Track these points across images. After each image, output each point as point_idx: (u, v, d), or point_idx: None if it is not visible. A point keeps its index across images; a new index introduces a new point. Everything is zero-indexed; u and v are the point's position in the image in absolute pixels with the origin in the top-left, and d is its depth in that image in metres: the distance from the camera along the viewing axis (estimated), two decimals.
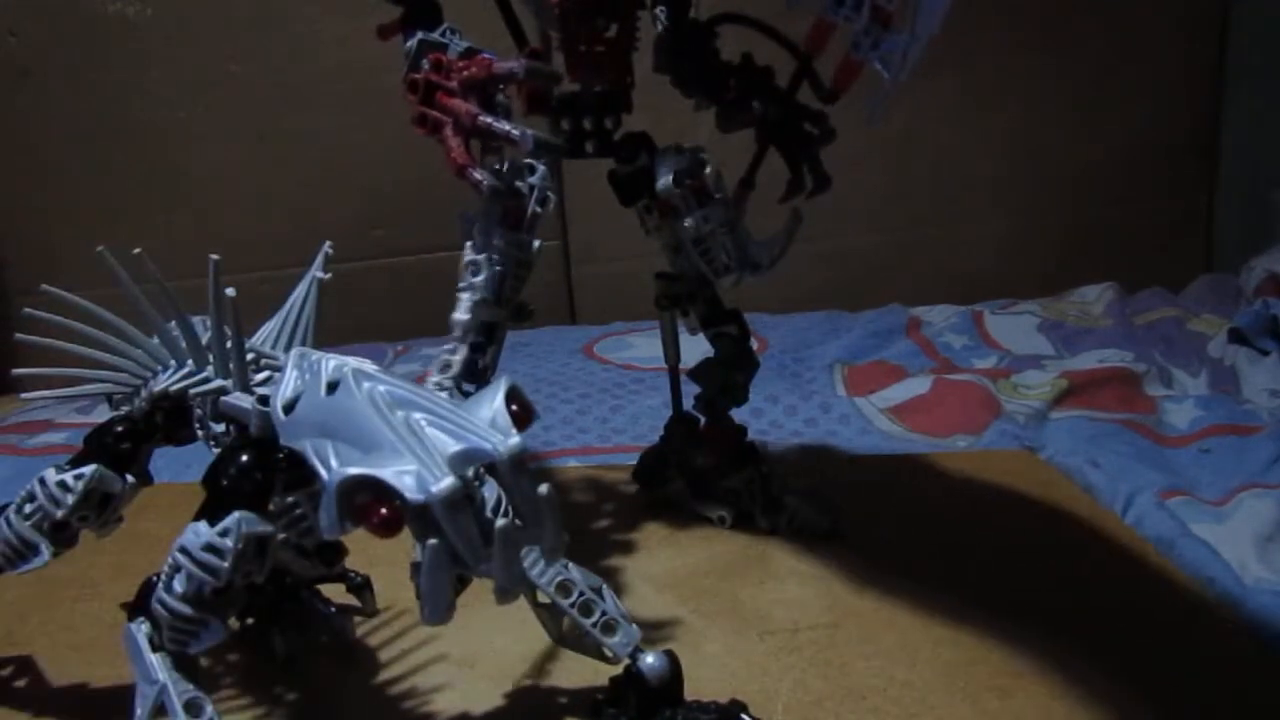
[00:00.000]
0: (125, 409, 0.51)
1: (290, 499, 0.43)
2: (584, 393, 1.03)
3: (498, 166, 0.53)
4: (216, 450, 0.46)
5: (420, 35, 0.57)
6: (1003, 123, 1.41)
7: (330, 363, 0.38)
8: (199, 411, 0.47)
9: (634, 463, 0.81)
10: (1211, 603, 0.64)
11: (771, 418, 0.97)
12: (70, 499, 0.48)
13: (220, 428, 0.45)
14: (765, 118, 0.67)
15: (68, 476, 0.48)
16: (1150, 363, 1.09)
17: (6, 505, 0.51)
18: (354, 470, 0.33)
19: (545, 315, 1.32)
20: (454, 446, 0.34)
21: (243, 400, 0.43)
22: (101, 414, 1.03)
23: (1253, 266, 1.26)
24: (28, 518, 0.49)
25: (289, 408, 0.38)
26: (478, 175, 0.51)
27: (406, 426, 0.34)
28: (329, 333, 1.33)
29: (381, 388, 0.36)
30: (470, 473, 0.35)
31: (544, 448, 0.92)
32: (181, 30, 1.27)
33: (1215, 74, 1.43)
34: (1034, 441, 0.91)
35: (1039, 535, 0.73)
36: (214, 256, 0.44)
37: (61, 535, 0.49)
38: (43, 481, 0.49)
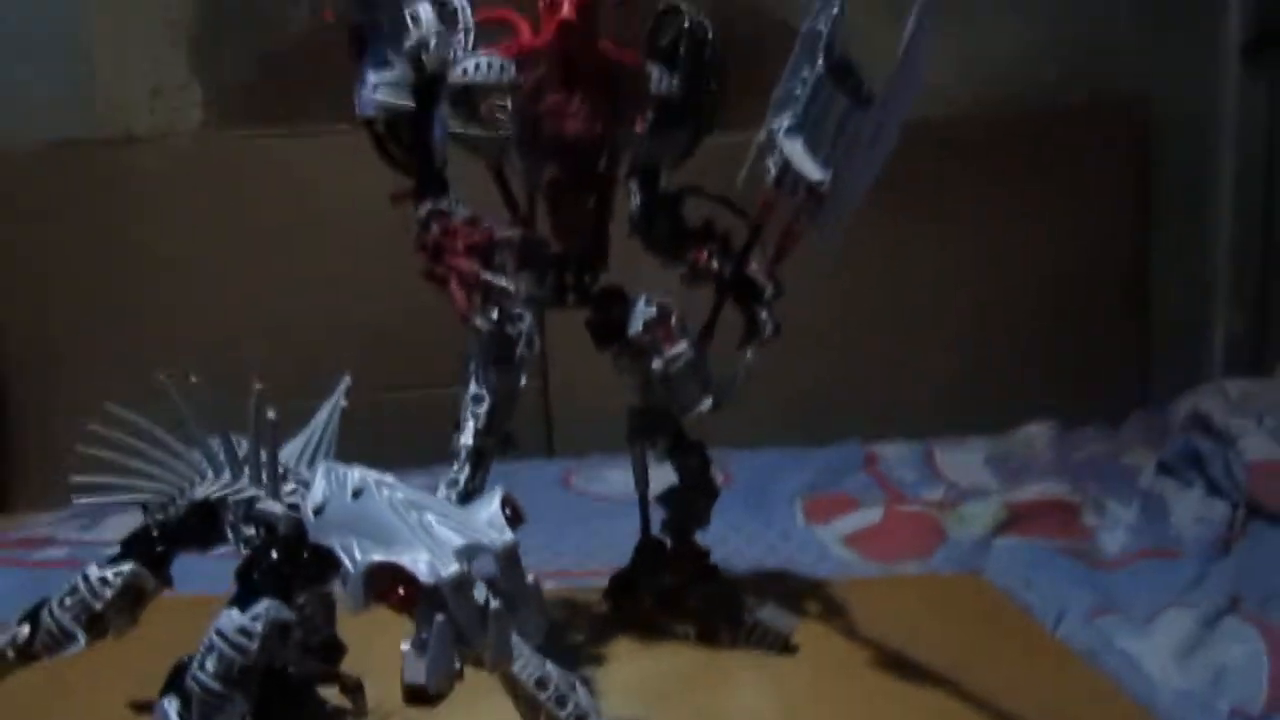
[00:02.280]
0: (159, 515, 0.58)
1: (302, 599, 0.50)
2: (561, 521, 1.10)
3: (494, 316, 0.62)
4: (246, 551, 0.53)
5: (430, 204, 0.67)
6: (945, 261, 1.52)
7: (355, 473, 0.46)
8: (230, 517, 0.54)
9: (606, 584, 0.88)
10: (1129, 709, 0.71)
11: (734, 545, 1.04)
12: (109, 593, 0.55)
13: (251, 530, 0.52)
14: (721, 276, 0.77)
15: (108, 572, 0.55)
16: (1086, 494, 1.18)
17: (45, 602, 0.57)
18: (378, 556, 0.40)
19: (525, 446, 1.40)
20: (459, 540, 0.41)
21: (274, 506, 0.50)
22: (102, 530, 1.09)
23: (1179, 405, 1.37)
24: (68, 609, 0.56)
25: (319, 510, 0.46)
26: (479, 322, 0.60)
27: (420, 524, 0.42)
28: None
29: (399, 494, 0.44)
30: (471, 565, 0.42)
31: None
32: (194, 182, 1.39)
33: (1143, 214, 1.57)
34: (977, 566, 0.99)
35: (978, 654, 0.79)
36: (258, 385, 0.52)
37: (96, 627, 0.56)
38: (85, 577, 0.56)
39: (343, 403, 0.59)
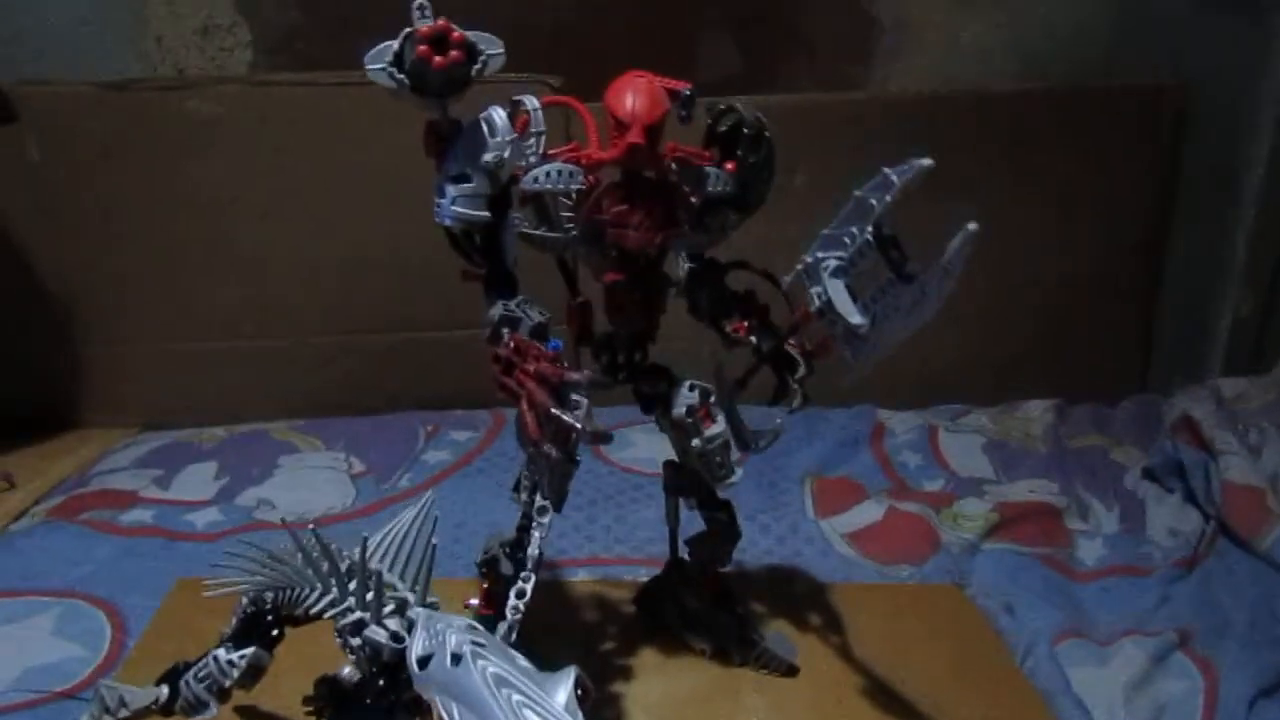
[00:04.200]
0: (271, 600, 0.68)
1: None
2: (592, 499, 1.21)
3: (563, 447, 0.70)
4: (350, 655, 0.63)
5: (501, 307, 0.74)
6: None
7: (453, 637, 0.56)
8: (338, 627, 0.64)
9: (634, 574, 1.03)
10: None
11: (748, 535, 1.14)
12: (235, 673, 0.66)
13: (357, 642, 0.63)
14: (759, 349, 0.85)
15: (234, 656, 0.67)
16: (1072, 495, 1.28)
17: (186, 665, 0.69)
18: None
19: None
20: None
21: (379, 634, 0.61)
22: (179, 488, 1.20)
23: (1174, 402, 1.45)
24: (202, 682, 0.67)
25: (422, 663, 0.56)
26: (547, 449, 0.68)
27: (510, 706, 0.52)
28: (366, 406, 1.48)
29: (491, 670, 0.54)
30: None
31: (558, 555, 1.10)
32: (244, 127, 1.42)
33: (1167, 197, 1.60)
34: (965, 574, 1.11)
35: (953, 684, 0.91)
36: (365, 534, 0.61)
37: (224, 696, 0.67)
38: (215, 659, 0.67)
39: (435, 526, 0.68)
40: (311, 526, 0.64)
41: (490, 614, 0.76)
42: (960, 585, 1.09)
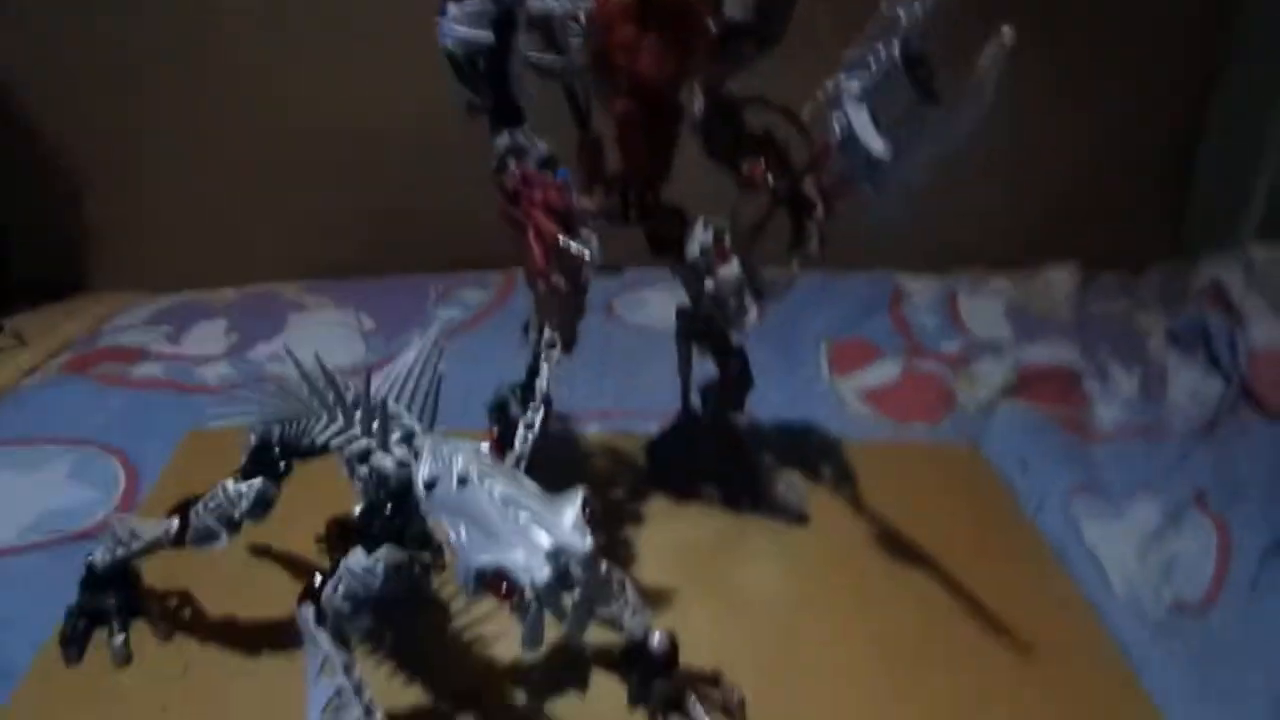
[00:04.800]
0: (279, 434, 0.68)
1: None
2: (604, 355, 1.20)
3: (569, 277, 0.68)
4: (357, 484, 0.63)
5: (507, 138, 0.71)
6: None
7: (460, 459, 0.55)
8: (345, 456, 0.63)
9: (645, 428, 1.01)
10: (1078, 606, 0.84)
11: (762, 391, 1.14)
12: (245, 504, 0.66)
13: (364, 470, 0.62)
14: (776, 190, 0.81)
15: (243, 487, 0.66)
16: (1092, 359, 1.26)
17: (196, 499, 0.68)
18: (487, 560, 0.50)
19: None
20: (549, 544, 0.51)
21: (386, 461, 0.60)
22: (187, 342, 1.20)
23: (1203, 268, 1.41)
24: (211, 513, 0.67)
25: (429, 486, 0.55)
26: (555, 280, 0.66)
27: (517, 523, 0.52)
28: (379, 268, 1.46)
29: (498, 489, 0.53)
30: (559, 564, 0.52)
31: (570, 409, 1.09)
32: None
33: (1210, 61, 1.53)
34: (979, 433, 1.10)
35: (965, 534, 0.91)
36: (369, 366, 0.60)
37: (235, 527, 0.67)
38: (224, 489, 0.67)
39: (441, 355, 0.66)
40: (315, 353, 0.62)
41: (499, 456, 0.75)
42: (975, 444, 1.08)
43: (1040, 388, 1.18)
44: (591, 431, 1.06)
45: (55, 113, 1.41)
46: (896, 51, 0.63)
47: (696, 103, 0.81)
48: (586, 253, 0.65)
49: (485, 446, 0.67)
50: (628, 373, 1.17)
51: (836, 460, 1.02)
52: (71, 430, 1.04)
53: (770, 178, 0.81)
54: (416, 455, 0.59)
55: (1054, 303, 1.41)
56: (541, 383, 0.69)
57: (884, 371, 1.20)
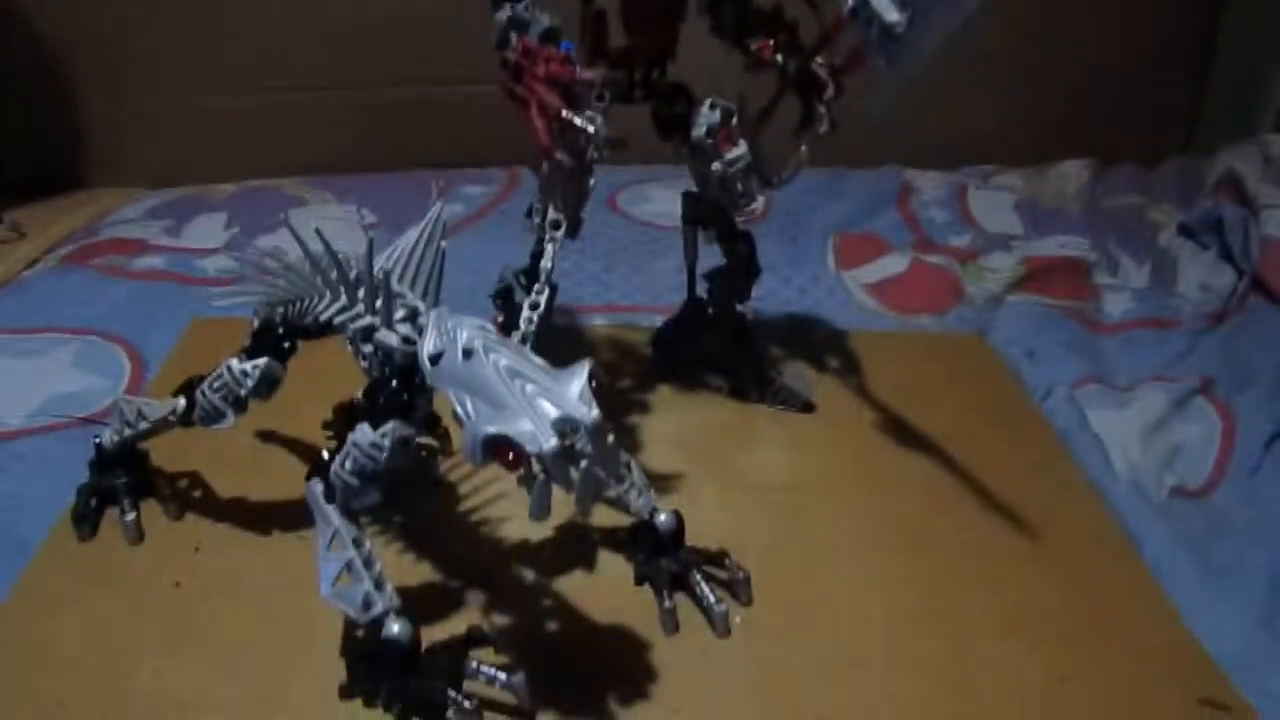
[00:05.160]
0: (282, 312, 0.67)
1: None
2: (609, 250, 1.18)
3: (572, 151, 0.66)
4: (362, 363, 0.63)
5: (509, 8, 0.69)
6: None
7: (464, 332, 0.54)
8: (349, 334, 0.63)
9: (651, 322, 1.01)
10: (1081, 489, 0.84)
11: (769, 285, 1.13)
12: (250, 382, 0.66)
13: (369, 348, 0.62)
14: (785, 69, 0.79)
15: (247, 365, 0.66)
16: (1103, 250, 1.24)
17: (201, 379, 0.68)
18: (493, 429, 0.50)
19: None
20: (555, 413, 0.51)
21: (391, 338, 0.59)
22: (187, 235, 1.19)
23: (1217, 159, 1.39)
24: (217, 392, 0.67)
25: (434, 360, 0.55)
26: (559, 156, 0.65)
27: (523, 394, 0.51)
28: (380, 164, 1.43)
29: (504, 361, 0.53)
30: (566, 434, 0.52)
31: (575, 302, 1.08)
32: None
33: None
34: (986, 325, 1.09)
35: (971, 420, 0.91)
36: (370, 236, 0.59)
37: (240, 406, 0.67)
38: (229, 368, 0.66)
39: (444, 231, 0.65)
40: (316, 228, 0.61)
41: None
42: (982, 335, 1.07)
43: (1049, 279, 1.17)
44: (596, 324, 1.05)
45: (45, 10, 1.37)
46: None
47: None
48: (591, 126, 0.63)
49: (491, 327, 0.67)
50: (633, 268, 1.16)
51: (843, 350, 1.02)
52: (74, 320, 1.04)
53: (779, 57, 0.79)
54: (421, 331, 0.58)
55: (1065, 196, 1.39)
56: (546, 263, 0.68)
57: (891, 264, 1.18)
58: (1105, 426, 0.94)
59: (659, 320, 1.03)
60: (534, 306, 0.67)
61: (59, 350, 0.99)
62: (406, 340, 0.59)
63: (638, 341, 1.01)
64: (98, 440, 0.76)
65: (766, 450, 0.87)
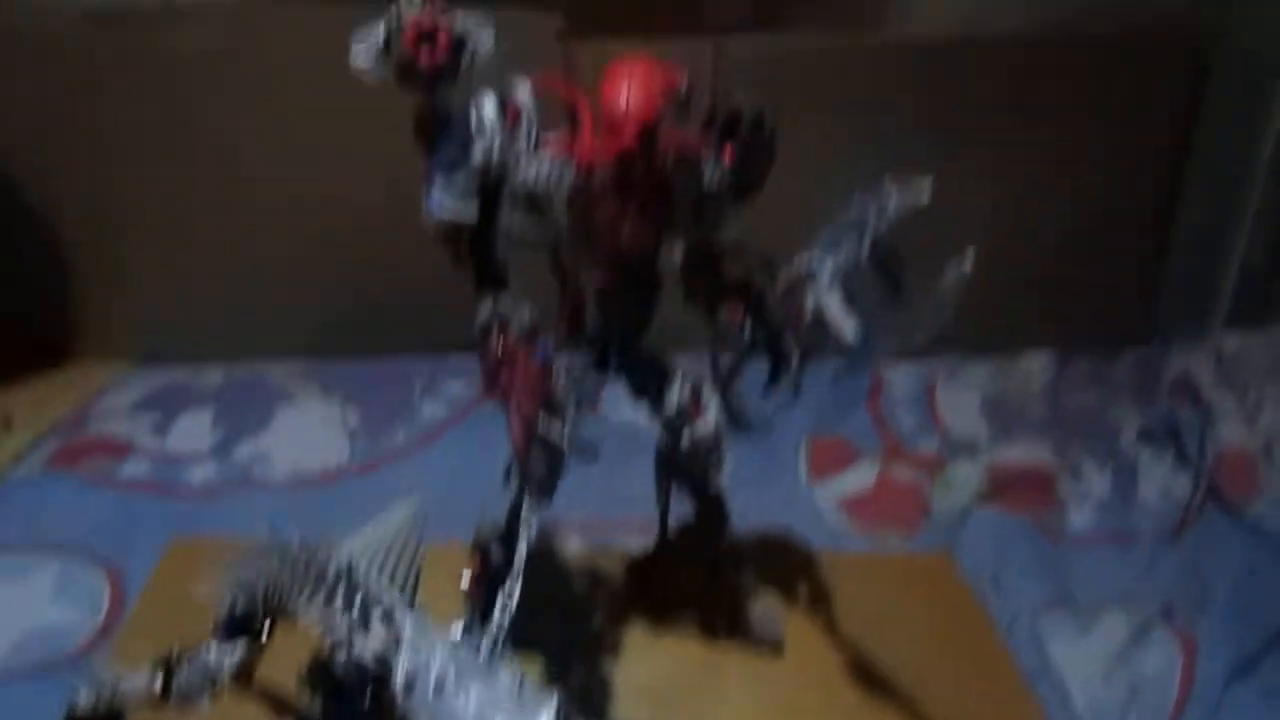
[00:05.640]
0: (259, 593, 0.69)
1: None
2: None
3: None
4: (337, 667, 0.64)
5: (491, 305, 0.73)
6: (972, 184, 1.53)
7: (437, 659, 0.56)
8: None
9: (627, 541, 1.04)
10: None
11: (741, 501, 1.15)
12: (227, 668, 0.68)
13: (341, 655, 0.63)
14: (753, 340, 0.84)
15: (226, 651, 0.68)
16: (1065, 456, 1.29)
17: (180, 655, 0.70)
18: None
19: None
20: None
21: (364, 654, 0.61)
22: (175, 437, 1.21)
23: (1175, 358, 1.45)
24: (195, 675, 0.69)
25: (408, 687, 0.57)
26: (534, 460, 0.68)
27: None
28: (367, 346, 1.46)
29: (473, 699, 0.55)
30: None
31: (549, 519, 1.10)
32: (238, 57, 1.37)
33: (1180, 152, 1.56)
34: (954, 542, 1.12)
35: (937, 656, 0.93)
36: (349, 553, 0.61)
37: (216, 691, 0.69)
38: (206, 652, 0.68)
39: (423, 523, 0.68)
40: (296, 535, 0.64)
41: (479, 596, 0.77)
42: (949, 555, 1.10)
43: (1014, 491, 1.21)
44: (570, 546, 1.08)
45: (40, 180, 1.42)
46: (866, 248, 0.65)
47: (677, 252, 0.83)
48: (564, 440, 0.67)
49: (465, 576, 0.68)
50: (611, 477, 1.18)
51: (813, 577, 1.04)
52: (58, 535, 1.06)
53: (748, 327, 0.83)
54: (397, 642, 0.60)
55: (1029, 394, 1.44)
56: (520, 554, 0.71)
57: (861, 476, 1.22)
58: (1067, 658, 0.97)
59: (636, 539, 1.06)
60: (508, 597, 0.70)
61: (41, 574, 1.00)
62: (380, 660, 0.61)
63: (612, 569, 1.03)
64: (72, 703, 0.77)
65: (734, 694, 0.89)
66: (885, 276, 0.66)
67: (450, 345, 1.49)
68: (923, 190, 0.64)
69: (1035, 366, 1.50)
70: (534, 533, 0.72)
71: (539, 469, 0.69)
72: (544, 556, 1.05)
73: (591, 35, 1.37)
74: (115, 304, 1.50)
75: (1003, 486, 1.21)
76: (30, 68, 1.35)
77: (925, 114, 1.47)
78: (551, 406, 0.67)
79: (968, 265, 0.64)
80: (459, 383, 1.40)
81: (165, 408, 1.32)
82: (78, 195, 1.43)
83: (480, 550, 0.83)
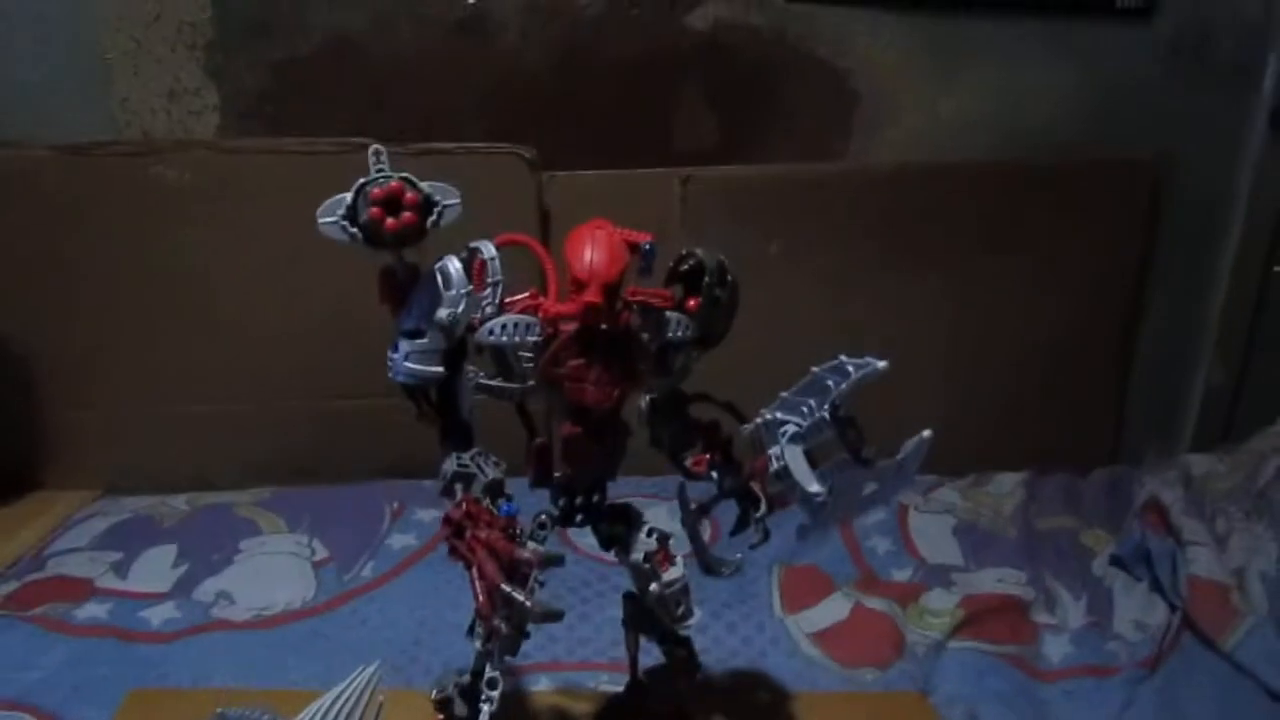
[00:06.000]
0: None
1: None
2: (556, 594, 1.19)
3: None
4: None
5: (455, 462, 0.73)
6: (938, 307, 1.56)
7: None
8: None
9: (597, 681, 1.04)
10: None
11: (714, 633, 1.15)
12: None
13: None
14: (720, 486, 0.84)
15: None
16: (1039, 585, 1.28)
17: None
18: None
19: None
20: None
21: None
22: (135, 577, 1.18)
23: (1144, 482, 1.46)
24: None
25: None
26: (496, 622, 0.67)
27: None
28: (332, 473, 1.46)
29: None
30: None
31: (519, 660, 1.08)
32: (211, 192, 1.40)
33: (1140, 270, 1.60)
34: (929, 678, 1.10)
35: None
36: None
37: None
38: None
39: (377, 684, 0.66)
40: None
41: None
42: (924, 691, 1.08)
43: (989, 623, 1.19)
44: (541, 688, 1.05)
45: (6, 309, 1.43)
46: (827, 415, 0.66)
47: (642, 400, 0.84)
48: (528, 604, 0.66)
49: None
50: (579, 615, 1.17)
51: (786, 717, 1.02)
52: (8, 689, 1.02)
53: (715, 474, 0.83)
54: None
55: (1002, 518, 1.44)
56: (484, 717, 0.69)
57: (835, 609, 1.20)
58: None
59: (604, 678, 1.04)
60: None
61: None
62: None
63: (582, 713, 1.00)
64: None
65: None
66: (847, 439, 0.66)
67: (420, 471, 1.48)
68: (879, 371, 0.65)
69: (1006, 488, 1.50)
70: (498, 693, 0.71)
71: (503, 634, 0.68)
72: (513, 697, 1.03)
73: (563, 166, 1.41)
74: (80, 435, 1.49)
75: (977, 617, 1.20)
76: (5, 197, 1.37)
77: (892, 239, 1.50)
78: (514, 572, 0.67)
79: (928, 437, 0.64)
80: (430, 511, 1.38)
81: (127, 545, 1.29)
82: (43, 326, 1.43)
83: (443, 706, 0.82)
